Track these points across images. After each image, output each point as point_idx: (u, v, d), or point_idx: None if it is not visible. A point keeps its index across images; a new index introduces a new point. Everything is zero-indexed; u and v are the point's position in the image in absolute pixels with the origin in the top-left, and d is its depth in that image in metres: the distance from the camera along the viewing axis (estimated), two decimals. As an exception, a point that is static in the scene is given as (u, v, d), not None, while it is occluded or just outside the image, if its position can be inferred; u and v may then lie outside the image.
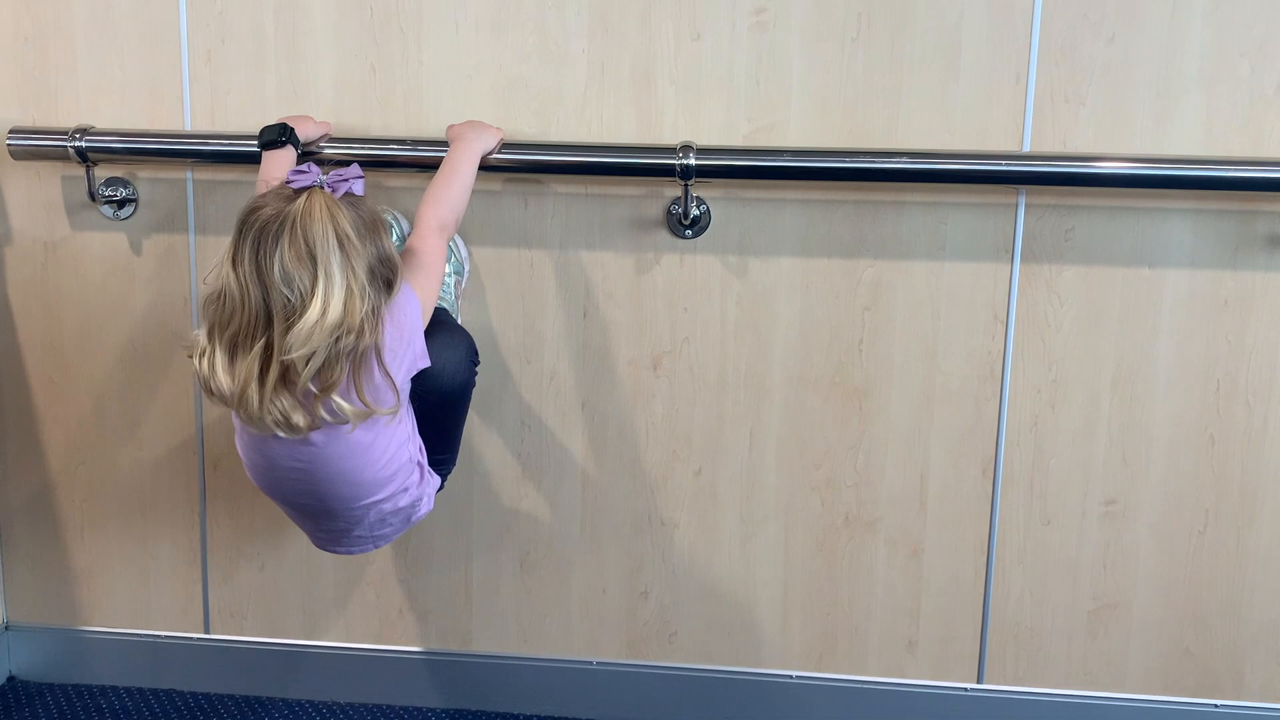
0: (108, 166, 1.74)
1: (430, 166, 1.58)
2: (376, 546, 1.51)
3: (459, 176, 1.54)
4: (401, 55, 1.69)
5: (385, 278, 1.32)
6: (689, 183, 1.62)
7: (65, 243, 1.79)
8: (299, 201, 1.27)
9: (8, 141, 1.70)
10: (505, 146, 1.63)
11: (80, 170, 1.72)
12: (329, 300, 1.24)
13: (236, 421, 1.37)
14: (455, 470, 1.68)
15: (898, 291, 1.69)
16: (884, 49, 1.63)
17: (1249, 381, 1.66)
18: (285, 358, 1.24)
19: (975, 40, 1.61)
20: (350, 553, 1.53)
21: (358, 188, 1.33)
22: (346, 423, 1.30)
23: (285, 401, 1.27)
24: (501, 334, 1.76)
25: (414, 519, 1.50)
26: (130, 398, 1.84)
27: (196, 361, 1.30)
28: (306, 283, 1.24)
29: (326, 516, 1.44)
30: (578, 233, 1.72)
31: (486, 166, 1.60)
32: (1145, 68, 1.59)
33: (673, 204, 1.69)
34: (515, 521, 1.82)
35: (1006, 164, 1.60)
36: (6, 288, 1.82)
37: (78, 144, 1.67)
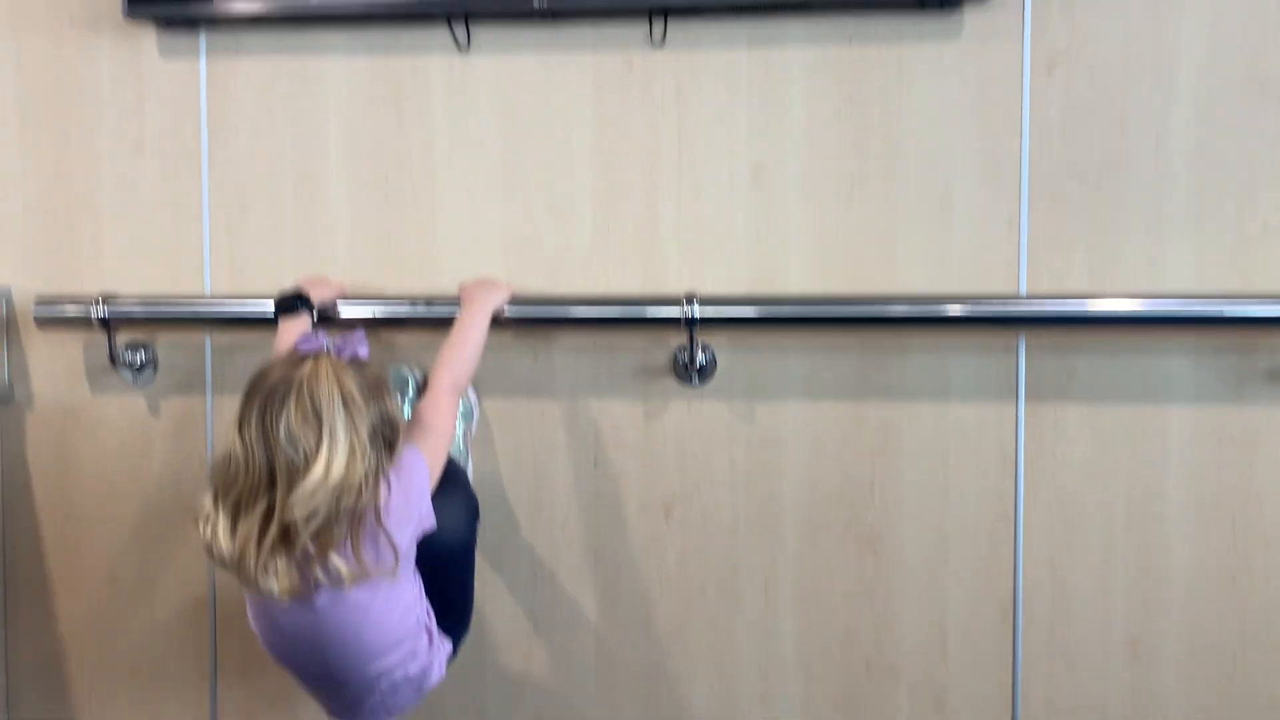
0: (129, 331, 1.79)
1: (442, 323, 1.62)
2: (390, 716, 1.48)
3: (471, 336, 1.58)
4: (415, 218, 1.75)
5: (387, 438, 1.34)
6: (694, 331, 1.66)
7: (85, 407, 1.83)
8: (306, 365, 1.31)
9: (34, 311, 1.76)
10: (515, 301, 1.67)
11: (102, 335, 1.77)
12: (332, 459, 1.26)
13: (247, 590, 1.37)
14: (470, 622, 1.67)
15: (906, 434, 1.70)
16: (878, 199, 1.68)
17: (1264, 518, 1.65)
18: (287, 518, 1.25)
19: (966, 189, 1.67)
20: None
21: (363, 351, 1.37)
22: (343, 584, 1.30)
23: (282, 562, 1.27)
24: (511, 484, 1.77)
25: (425, 688, 1.47)
26: (143, 562, 1.84)
27: (201, 527, 1.31)
28: (311, 442, 1.26)
29: (337, 685, 1.42)
30: (586, 383, 1.75)
31: (497, 322, 1.64)
32: (1133, 211, 1.64)
33: (679, 351, 1.72)
34: (529, 680, 1.79)
35: (1005, 307, 1.63)
36: (26, 453, 1.85)
37: (100, 311, 1.72)
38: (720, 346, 1.72)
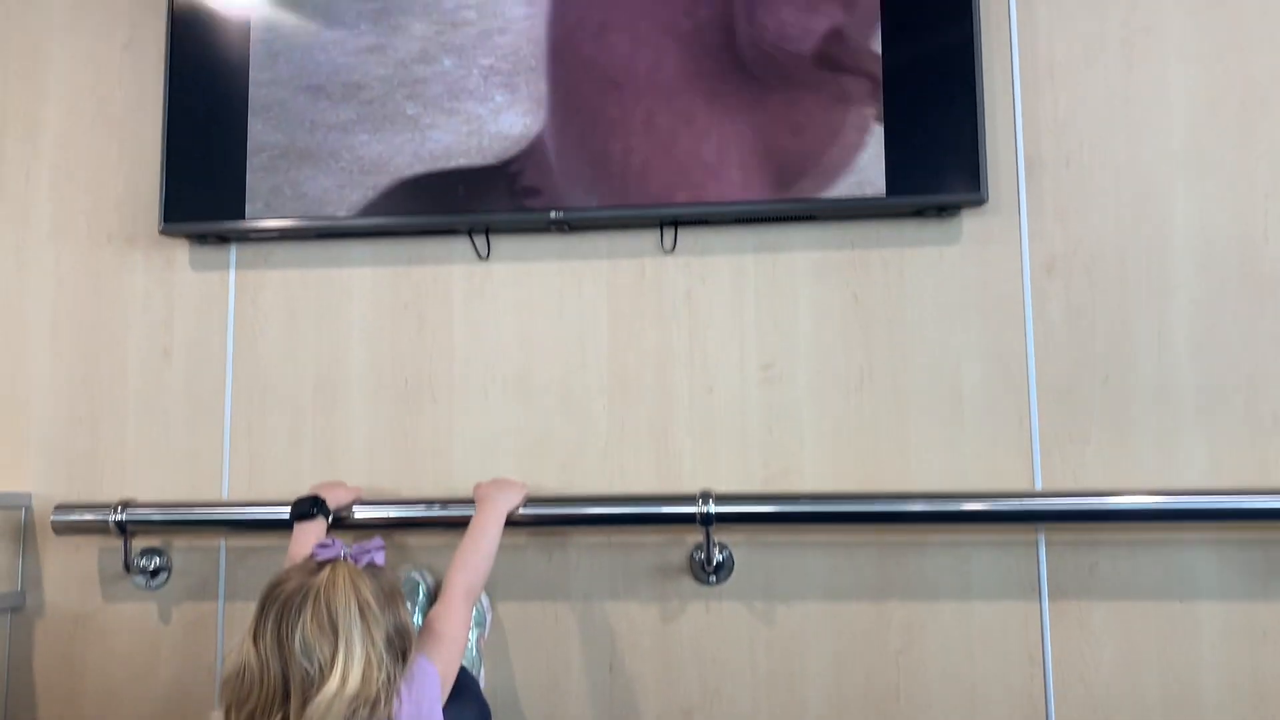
0: (145, 537, 1.79)
1: (458, 526, 1.62)
2: None
3: (485, 539, 1.58)
4: (432, 420, 1.78)
5: (401, 648, 1.32)
6: (710, 529, 1.65)
7: (96, 615, 1.81)
8: (323, 573, 1.30)
9: (53, 518, 1.76)
10: (530, 502, 1.67)
11: (118, 542, 1.77)
12: (349, 671, 1.23)
13: None
14: None
15: (929, 633, 1.66)
16: (888, 395, 1.71)
17: (1308, 717, 1.59)
18: None
19: (975, 385, 1.69)
20: None
21: (379, 558, 1.36)
22: None
23: None
24: (525, 692, 1.72)
25: None
26: (144, 774, 1.78)
27: None
28: (327, 653, 1.24)
29: None
30: (602, 583, 1.73)
31: (512, 523, 1.64)
32: (1142, 405, 1.66)
33: (695, 550, 1.71)
34: None
35: (1023, 503, 1.63)
36: (33, 664, 1.81)
37: (118, 518, 1.73)
38: (737, 544, 1.71)
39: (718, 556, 1.70)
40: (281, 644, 1.25)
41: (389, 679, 1.27)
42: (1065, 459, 1.66)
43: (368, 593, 1.29)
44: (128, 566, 1.77)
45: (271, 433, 1.81)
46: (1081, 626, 1.63)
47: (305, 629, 1.25)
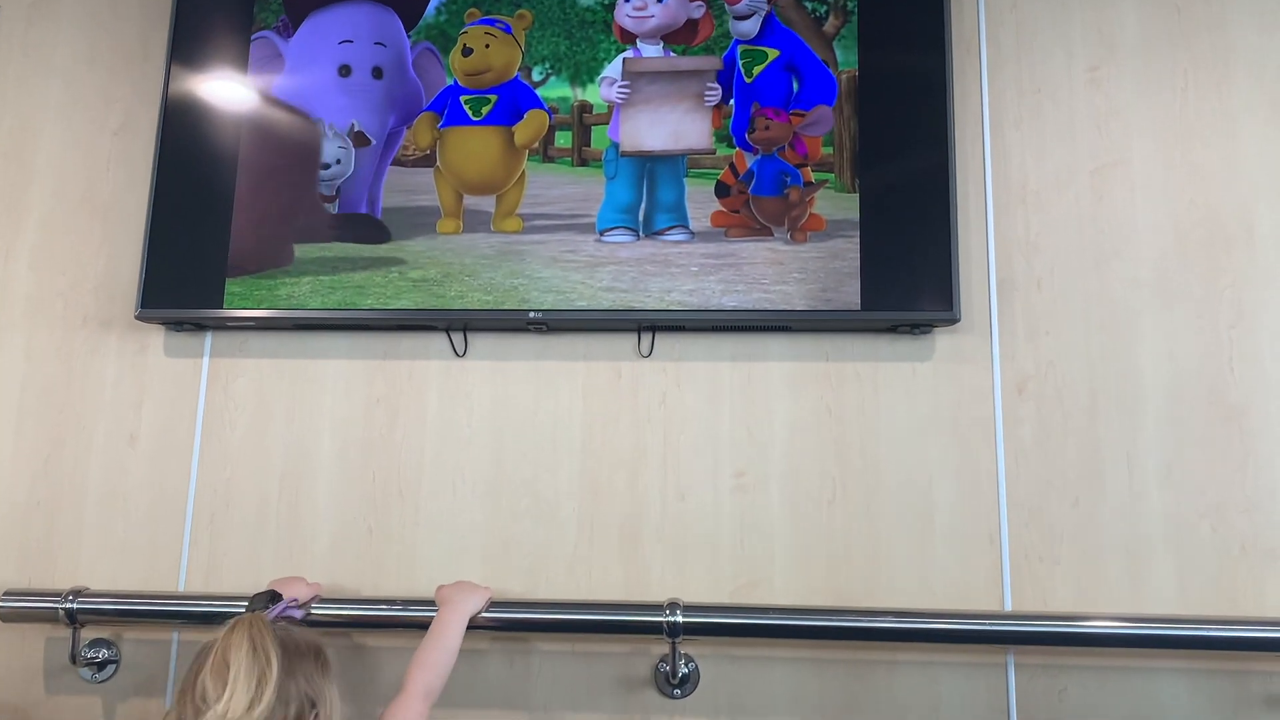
0: (95, 628, 1.74)
1: (418, 627, 1.58)
2: None
3: (446, 640, 1.54)
4: (399, 517, 1.76)
5: (300, 706, 1.33)
6: (676, 640, 1.62)
7: (36, 708, 1.74)
8: (226, 626, 1.36)
9: (0, 604, 1.71)
10: (493, 605, 1.64)
11: (66, 632, 1.71)
12: (232, 699, 1.27)
13: None
14: None
15: (896, 756, 1.63)
16: (859, 510, 1.70)
17: None
18: None
19: (947, 503, 1.69)
20: None
21: (295, 614, 1.42)
22: None
23: None
24: (481, 804, 1.66)
25: None
26: None
27: None
28: (219, 690, 1.29)
29: None
30: (563, 693, 1.68)
31: (474, 626, 1.60)
32: (1111, 529, 1.66)
33: (660, 662, 1.67)
34: None
35: (992, 624, 1.60)
36: (-36, 759, 1.74)
37: (69, 605, 1.67)
38: (704, 657, 1.68)
39: (683, 669, 1.66)
40: (184, 692, 1.32)
41: None
42: (1035, 580, 1.65)
43: (267, 641, 1.34)
44: (74, 658, 1.71)
45: (234, 524, 1.78)
46: (1051, 754, 1.61)
47: (204, 674, 1.32)
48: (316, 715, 1.34)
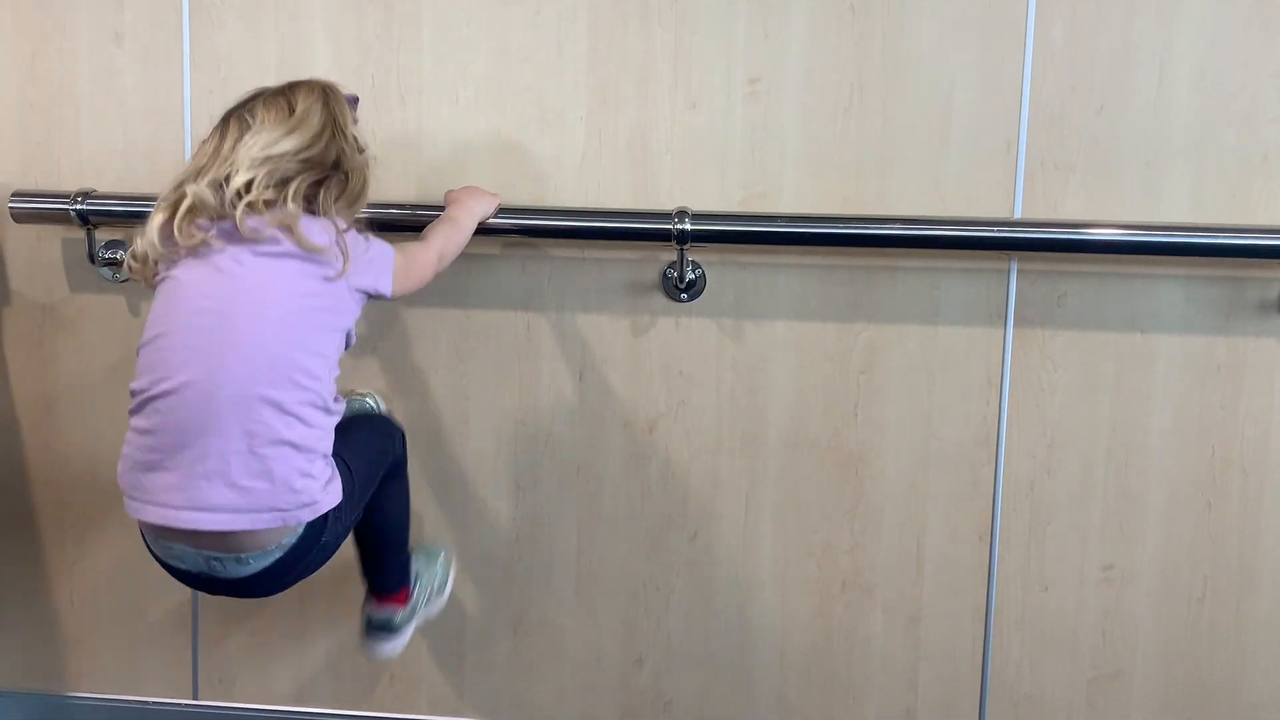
0: (108, 229, 1.75)
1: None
2: (250, 511, 1.25)
3: (460, 224, 1.56)
4: (401, 123, 1.72)
5: (343, 157, 1.37)
6: (685, 247, 1.64)
7: (64, 304, 1.80)
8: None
9: (10, 204, 1.71)
10: (503, 211, 1.64)
11: (81, 233, 1.73)
12: (301, 123, 1.34)
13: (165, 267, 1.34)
14: (451, 530, 1.71)
15: (892, 356, 1.70)
16: (876, 118, 1.65)
17: (1244, 448, 1.66)
18: (250, 154, 1.30)
19: (966, 109, 1.64)
20: (205, 520, 1.25)
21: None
22: (279, 231, 1.28)
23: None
24: (496, 396, 1.76)
25: (302, 501, 1.28)
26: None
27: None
28: (269, 115, 1.35)
29: (200, 432, 1.25)
30: (574, 296, 1.73)
31: (484, 230, 1.62)
32: (1134, 137, 1.62)
33: (668, 268, 1.70)
34: (509, 585, 1.80)
35: (998, 231, 1.61)
36: (4, 348, 1.82)
37: (79, 206, 1.68)
38: (710, 264, 1.71)
39: (690, 275, 1.70)
40: (233, 112, 1.37)
41: (338, 154, 1.36)
42: (1048, 189, 1.64)
43: (333, 102, 1.39)
44: (92, 258, 1.74)
45: (234, 128, 1.74)
46: (1043, 353, 1.67)
47: (261, 99, 1.37)
48: (340, 184, 1.37)
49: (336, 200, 1.36)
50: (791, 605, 1.77)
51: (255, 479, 1.25)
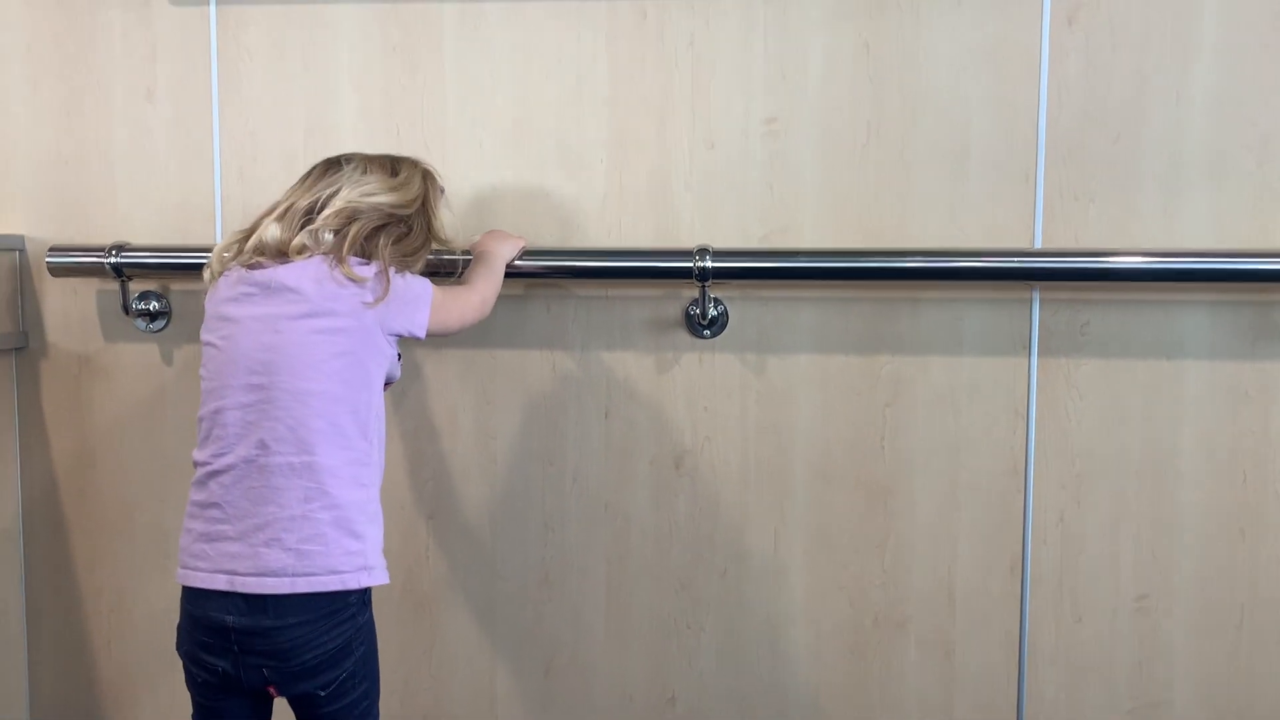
0: (142, 281, 1.79)
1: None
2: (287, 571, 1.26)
3: (492, 272, 1.58)
4: (426, 169, 1.75)
5: (413, 236, 1.44)
6: (706, 284, 1.66)
7: (99, 355, 1.84)
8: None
9: (47, 259, 1.76)
10: (527, 253, 1.66)
11: (115, 285, 1.77)
12: (392, 181, 1.44)
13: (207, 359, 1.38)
14: (482, 575, 1.73)
15: (917, 387, 1.70)
16: (893, 152, 1.67)
17: (1276, 473, 1.65)
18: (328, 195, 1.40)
19: (983, 141, 1.65)
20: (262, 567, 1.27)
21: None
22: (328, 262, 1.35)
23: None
24: (523, 436, 1.77)
25: (339, 571, 1.28)
26: (158, 508, 1.85)
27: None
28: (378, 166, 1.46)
29: (262, 473, 1.29)
30: (598, 334, 1.75)
31: (510, 272, 1.63)
32: (1152, 164, 1.63)
33: (691, 305, 1.72)
34: (539, 626, 1.81)
35: (1020, 261, 1.62)
36: (42, 400, 1.86)
37: (113, 260, 1.72)
38: (732, 299, 1.72)
39: (713, 311, 1.71)
40: (327, 160, 1.47)
41: (414, 213, 1.45)
42: (1068, 218, 1.65)
43: (434, 182, 1.52)
44: (126, 309, 1.78)
45: (263, 178, 1.78)
46: (1069, 382, 1.67)
47: (360, 154, 1.47)
48: (402, 235, 1.43)
49: (392, 246, 1.41)
50: (824, 640, 1.76)
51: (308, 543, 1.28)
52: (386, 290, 1.35)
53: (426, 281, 1.45)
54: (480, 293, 1.54)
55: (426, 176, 1.50)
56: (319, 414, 1.29)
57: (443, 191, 1.55)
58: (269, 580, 1.24)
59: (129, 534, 1.87)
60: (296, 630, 1.25)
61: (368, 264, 1.37)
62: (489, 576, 1.80)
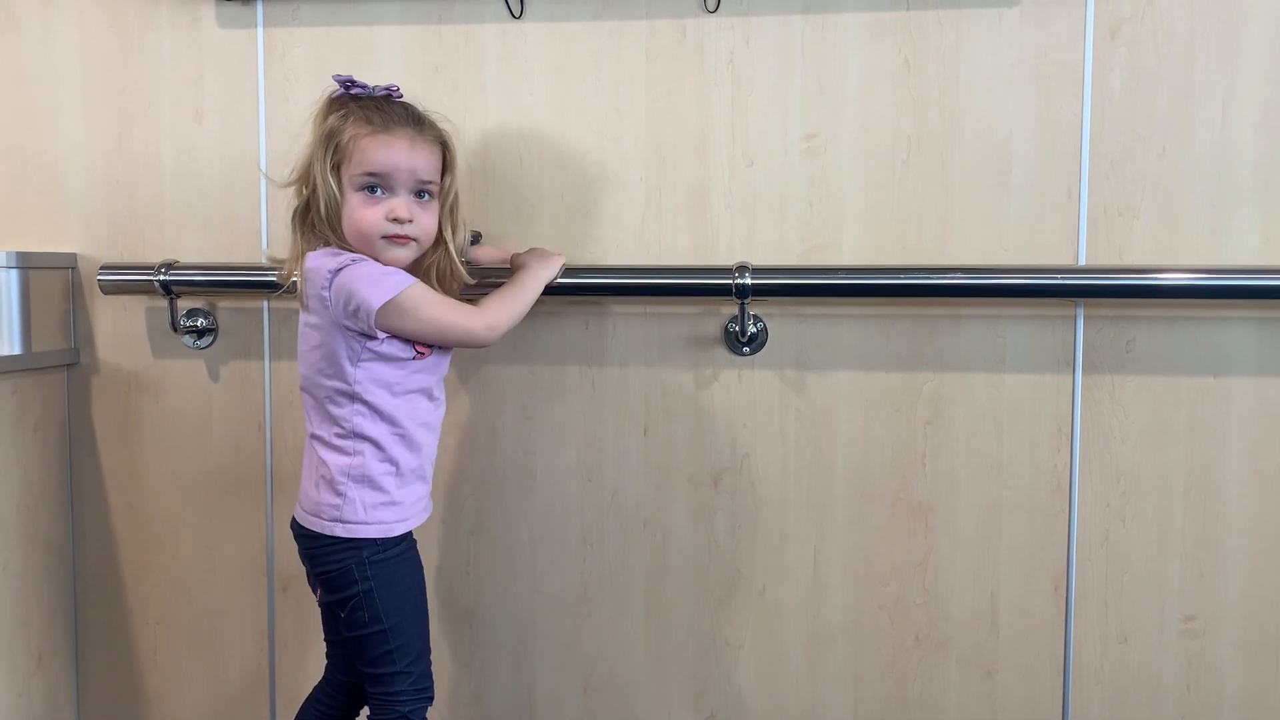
0: (189, 298, 1.83)
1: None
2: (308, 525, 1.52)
3: (523, 295, 1.56)
4: (468, 188, 1.76)
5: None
6: (745, 301, 1.66)
7: (147, 371, 1.87)
8: None
9: (99, 277, 1.80)
10: (567, 271, 1.67)
11: (164, 302, 1.81)
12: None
13: None
14: (521, 591, 1.74)
15: (959, 405, 1.69)
16: (934, 168, 1.66)
17: (1329, 492, 1.62)
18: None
19: (1025, 157, 1.64)
20: None
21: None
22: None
23: None
24: (561, 452, 1.78)
25: (335, 519, 1.48)
26: (204, 522, 1.89)
27: None
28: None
29: None
30: (637, 351, 1.76)
31: (550, 290, 1.63)
32: (1197, 180, 1.61)
33: (730, 322, 1.72)
34: (578, 643, 1.81)
35: (1064, 278, 1.60)
36: (92, 415, 1.90)
37: (162, 277, 1.76)
38: (771, 316, 1.72)
39: (752, 328, 1.71)
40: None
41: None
42: (1112, 234, 1.63)
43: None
44: (174, 326, 1.82)
45: (308, 197, 1.80)
46: (1114, 399, 1.65)
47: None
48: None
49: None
50: (864, 660, 1.75)
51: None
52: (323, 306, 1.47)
53: (404, 275, 1.45)
54: (487, 318, 1.50)
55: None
56: (311, 396, 1.51)
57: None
58: (298, 510, 1.54)
59: (175, 547, 1.90)
60: (306, 549, 1.53)
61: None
62: (528, 592, 1.81)
